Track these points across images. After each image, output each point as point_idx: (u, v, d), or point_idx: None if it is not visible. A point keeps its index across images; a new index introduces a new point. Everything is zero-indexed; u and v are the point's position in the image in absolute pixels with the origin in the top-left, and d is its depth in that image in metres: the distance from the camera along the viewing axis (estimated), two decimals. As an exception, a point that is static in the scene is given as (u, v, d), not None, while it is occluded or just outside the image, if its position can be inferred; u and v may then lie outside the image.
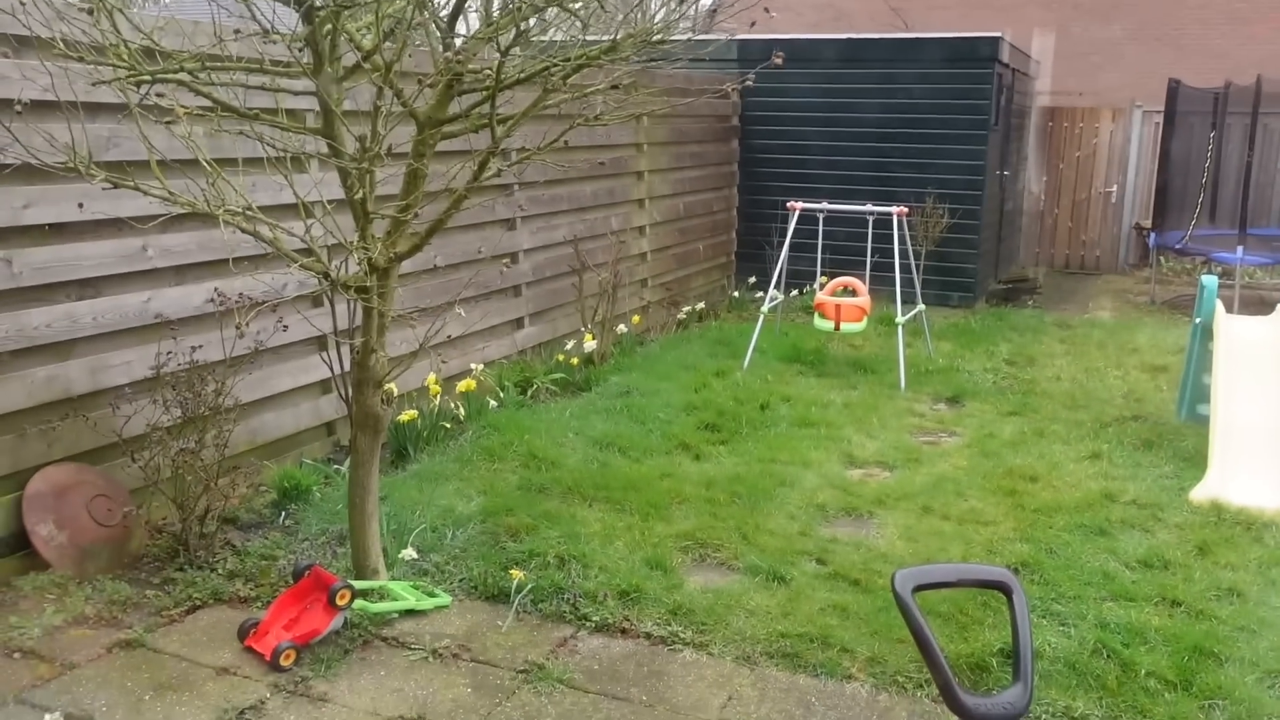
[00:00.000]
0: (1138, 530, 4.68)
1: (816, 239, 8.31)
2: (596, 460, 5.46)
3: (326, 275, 3.49)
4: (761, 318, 7.75)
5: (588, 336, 7.33)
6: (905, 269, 7.74)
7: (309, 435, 5.45)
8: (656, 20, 3.61)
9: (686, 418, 6.23)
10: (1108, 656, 3.58)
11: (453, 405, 5.99)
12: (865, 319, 7.51)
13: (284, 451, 5.28)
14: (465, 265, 6.41)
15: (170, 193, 3.21)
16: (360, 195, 3.44)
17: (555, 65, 3.44)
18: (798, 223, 7.92)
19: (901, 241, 7.64)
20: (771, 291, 7.98)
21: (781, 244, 8.28)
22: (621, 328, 7.91)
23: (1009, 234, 12.25)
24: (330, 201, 3.73)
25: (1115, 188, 12.88)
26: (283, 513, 4.75)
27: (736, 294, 10.31)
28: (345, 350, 4.80)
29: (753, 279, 10.46)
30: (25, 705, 3.26)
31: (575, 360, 7.11)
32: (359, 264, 3.56)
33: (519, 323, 7.19)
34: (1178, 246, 10.58)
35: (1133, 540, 4.56)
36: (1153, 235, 10.94)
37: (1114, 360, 7.97)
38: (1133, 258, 13.04)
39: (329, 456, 5.50)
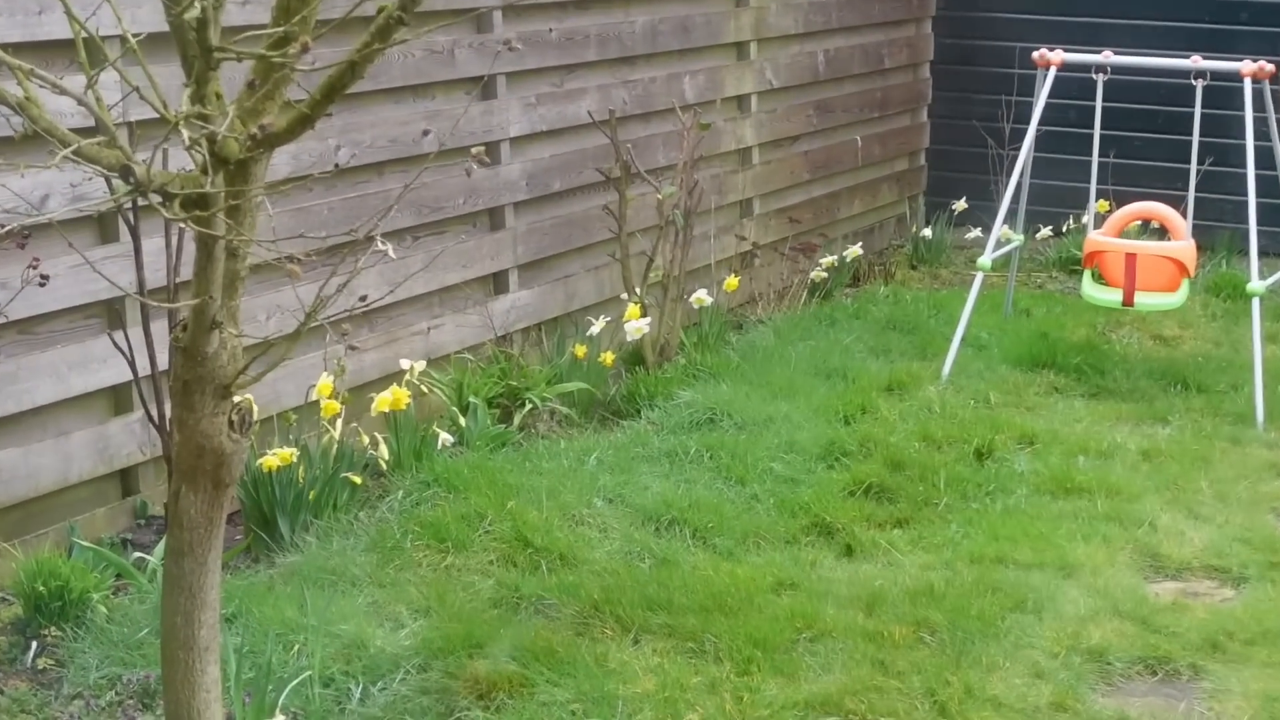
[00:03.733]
0: None
1: (1091, 126, 8.23)
2: (647, 552, 5.49)
3: (128, 174, 3.48)
4: (978, 279, 7.75)
5: (633, 311, 7.32)
6: (1269, 188, 7.67)
7: (87, 494, 5.50)
8: None
9: (827, 473, 6.26)
10: None
11: (367, 440, 6.01)
12: (1185, 285, 7.47)
13: (38, 524, 5.32)
14: (395, 165, 6.46)
15: None
16: (197, 17, 3.43)
17: None
18: (1052, 93, 7.88)
19: (1262, 133, 7.55)
20: (998, 229, 7.95)
21: (1020, 136, 8.21)
22: (701, 295, 7.91)
23: None
24: (138, 35, 3.71)
25: None
26: (33, 643, 4.77)
27: (928, 232, 10.35)
28: (160, 326, 4.79)
29: (960, 204, 10.43)
30: None
31: (609, 356, 7.12)
32: (191, 152, 3.54)
33: (500, 280, 7.24)
34: None
35: None
36: None
37: None
38: None
39: (125, 535, 5.53)
